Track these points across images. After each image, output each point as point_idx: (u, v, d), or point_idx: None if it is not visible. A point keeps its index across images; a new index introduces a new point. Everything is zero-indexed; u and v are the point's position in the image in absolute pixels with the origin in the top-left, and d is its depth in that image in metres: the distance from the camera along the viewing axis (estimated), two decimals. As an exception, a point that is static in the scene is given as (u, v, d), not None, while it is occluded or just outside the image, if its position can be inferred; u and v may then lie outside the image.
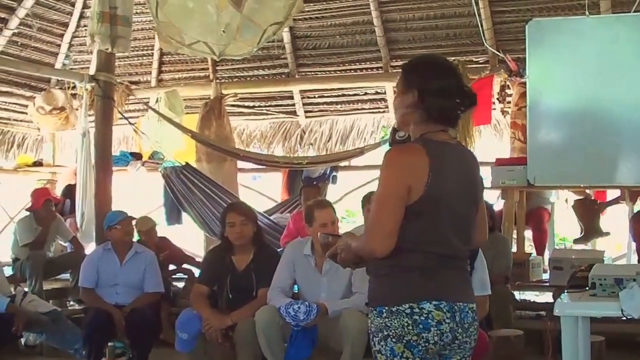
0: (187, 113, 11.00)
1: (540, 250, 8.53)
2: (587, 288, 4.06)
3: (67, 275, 8.82)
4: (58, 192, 10.89)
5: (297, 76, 11.05)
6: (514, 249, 8.00)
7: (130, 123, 9.76)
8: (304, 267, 5.86)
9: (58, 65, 11.61)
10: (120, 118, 9.62)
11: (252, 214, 6.36)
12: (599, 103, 7.87)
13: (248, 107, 11.48)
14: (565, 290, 4.25)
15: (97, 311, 6.74)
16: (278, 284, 5.84)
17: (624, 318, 3.73)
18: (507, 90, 9.56)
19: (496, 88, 9.62)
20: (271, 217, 9.48)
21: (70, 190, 10.07)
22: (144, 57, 11.68)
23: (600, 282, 3.96)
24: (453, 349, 3.01)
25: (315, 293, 5.78)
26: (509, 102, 9.56)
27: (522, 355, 6.29)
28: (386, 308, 2.96)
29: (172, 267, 8.77)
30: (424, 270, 2.98)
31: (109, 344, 6.36)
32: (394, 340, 2.94)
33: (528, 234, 8.77)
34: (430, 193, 2.94)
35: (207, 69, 11.32)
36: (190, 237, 10.81)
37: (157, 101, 10.98)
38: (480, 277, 5.56)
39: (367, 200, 7.57)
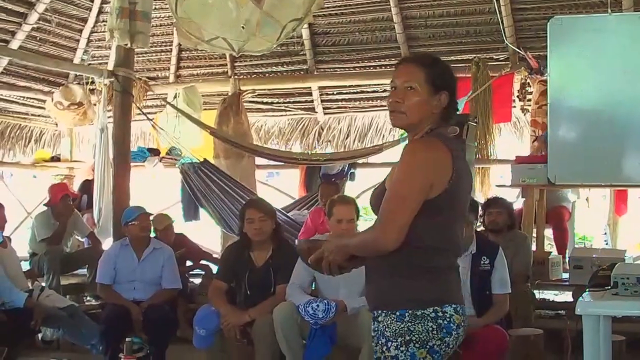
0: (205, 109, 11.02)
1: (560, 249, 8.45)
2: (609, 287, 4.03)
3: (84, 271, 8.82)
4: (75, 187, 10.91)
5: (315, 73, 11.03)
6: (534, 247, 7.94)
7: (148, 119, 9.74)
8: (322, 264, 5.81)
9: (76, 61, 11.63)
10: (139, 114, 9.61)
11: (271, 210, 6.32)
12: (620, 101, 7.77)
13: (266, 103, 11.49)
14: (587, 289, 4.20)
15: (114, 307, 6.74)
16: (297, 281, 5.82)
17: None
18: (527, 88, 9.56)
19: (516, 86, 9.61)
20: (289, 214, 9.46)
21: (87, 186, 10.07)
22: (163, 53, 11.68)
23: (622, 281, 3.93)
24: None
25: (333, 290, 5.74)
26: (529, 100, 9.55)
27: (541, 355, 6.23)
28: (410, 312, 2.88)
29: (189, 263, 8.74)
30: (446, 272, 2.96)
31: (127, 339, 6.27)
32: (417, 345, 2.86)
33: (548, 232, 8.69)
34: (452, 190, 2.90)
35: (226, 65, 11.32)
36: (207, 234, 10.81)
37: (175, 97, 10.98)
38: (501, 275, 5.54)
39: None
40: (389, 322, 2.91)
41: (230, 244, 6.70)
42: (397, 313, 2.89)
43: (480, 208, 7.57)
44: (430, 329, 2.86)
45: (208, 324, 5.89)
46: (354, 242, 3.03)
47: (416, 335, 2.86)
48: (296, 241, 3.51)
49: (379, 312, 2.96)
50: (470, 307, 5.47)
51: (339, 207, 5.69)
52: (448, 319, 2.87)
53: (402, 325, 2.87)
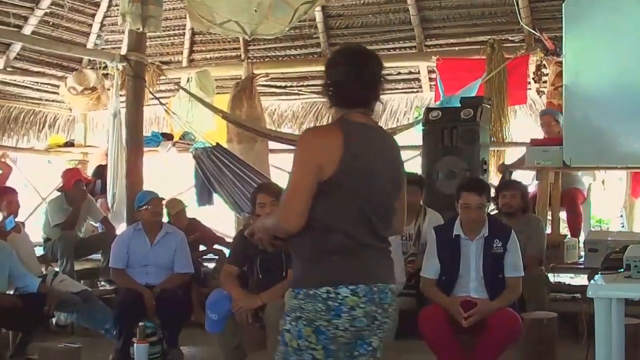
0: (219, 93, 10.97)
1: (574, 232, 8.38)
2: (621, 270, 3.95)
3: (98, 256, 8.81)
4: (89, 172, 10.92)
5: (329, 56, 10.88)
6: (549, 230, 7.88)
7: (161, 103, 9.74)
8: (334, 247, 5.79)
9: (90, 45, 11.63)
10: (152, 98, 9.59)
11: (282, 194, 6.27)
12: (637, 82, 7.68)
13: (280, 87, 11.44)
14: (599, 272, 4.14)
15: (127, 291, 6.73)
16: (308, 264, 5.77)
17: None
18: (543, 70, 9.46)
19: (532, 67, 9.52)
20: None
21: (101, 171, 10.09)
22: (176, 37, 11.66)
23: (635, 263, 3.84)
24: (372, 329, 3.02)
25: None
26: (545, 82, 9.47)
27: (556, 338, 6.18)
28: (304, 290, 2.97)
29: (202, 248, 8.74)
30: (345, 252, 2.98)
31: (140, 323, 6.30)
32: (304, 323, 2.96)
33: (564, 215, 8.61)
34: (345, 169, 2.96)
35: (239, 48, 11.29)
36: (221, 218, 10.79)
37: (188, 81, 10.97)
38: (513, 259, 5.49)
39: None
40: (290, 298, 3.07)
41: (242, 228, 6.66)
42: (295, 291, 3.02)
43: (494, 191, 7.56)
44: (319, 309, 2.93)
45: (220, 308, 5.87)
46: (269, 223, 3.14)
47: (305, 314, 2.95)
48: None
49: (290, 290, 3.15)
50: (483, 290, 5.45)
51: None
52: (340, 301, 2.92)
53: (297, 303, 2.98)
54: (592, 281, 3.95)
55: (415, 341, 5.64)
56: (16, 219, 7.75)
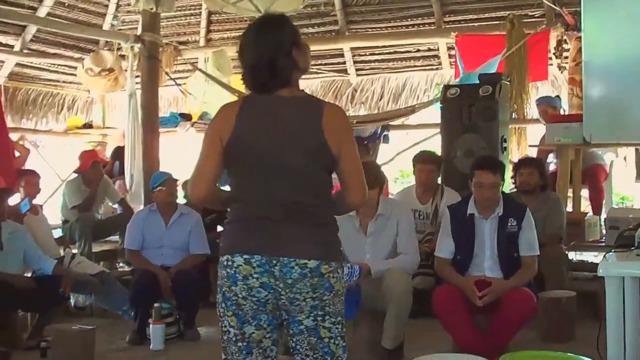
0: (236, 73, 10.90)
1: (596, 210, 8.26)
2: (633, 247, 3.91)
3: (116, 237, 8.82)
4: (108, 153, 10.95)
5: (347, 33, 10.92)
6: (570, 208, 7.77)
7: (176, 83, 9.71)
8: (348, 228, 5.67)
9: (106, 26, 11.61)
10: (168, 79, 9.56)
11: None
12: None
13: (298, 65, 11.33)
14: (612, 250, 4.05)
15: (143, 272, 6.73)
16: (321, 245, 5.72)
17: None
18: (564, 45, 9.31)
19: (552, 43, 9.39)
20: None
21: (119, 152, 10.07)
22: (192, 17, 11.64)
23: None
24: (287, 306, 3.00)
25: (359, 254, 5.65)
26: (566, 58, 9.33)
27: (575, 317, 6.12)
28: (221, 258, 3.07)
29: (220, 229, 8.71)
30: (244, 222, 3.04)
31: (155, 305, 6.35)
32: (218, 290, 3.07)
33: (585, 193, 8.50)
34: (238, 137, 3.01)
35: (256, 27, 11.17)
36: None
37: (205, 61, 10.91)
38: (528, 237, 5.43)
39: (417, 159, 7.46)
40: None
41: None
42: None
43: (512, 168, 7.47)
44: (222, 275, 3.03)
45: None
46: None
47: (219, 280, 3.06)
48: None
49: None
50: (498, 269, 5.39)
51: None
52: (235, 269, 2.97)
53: (219, 271, 3.08)
54: (603, 259, 3.86)
55: (433, 320, 5.62)
56: (34, 201, 7.78)
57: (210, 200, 3.18)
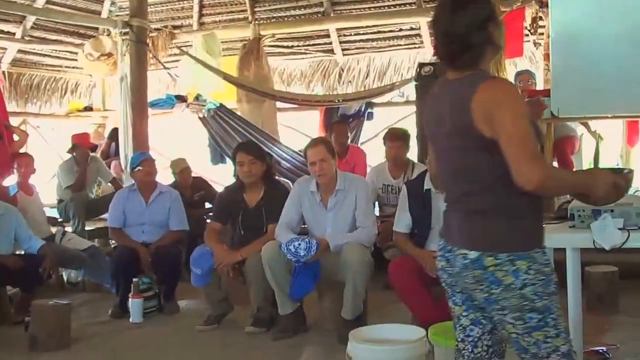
0: (228, 55, 11.17)
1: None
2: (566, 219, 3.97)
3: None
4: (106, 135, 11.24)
5: (332, 15, 11.09)
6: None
7: (165, 67, 9.98)
8: (310, 203, 5.98)
9: (104, 13, 11.86)
10: (154, 63, 9.82)
11: (261, 153, 6.47)
12: (626, 26, 7.45)
13: (287, 47, 11.61)
14: (548, 222, 4.13)
15: (123, 249, 6.98)
16: (285, 219, 5.97)
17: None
18: (539, 22, 9.43)
19: (528, 20, 9.52)
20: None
21: (116, 133, 10.36)
22: (185, 1, 11.83)
23: (578, 213, 3.86)
24: (463, 286, 2.92)
25: (321, 228, 5.90)
26: (541, 34, 9.43)
27: (618, 290, 6.37)
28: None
29: (208, 206, 9.00)
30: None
31: (134, 279, 6.56)
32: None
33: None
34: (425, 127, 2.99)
35: (246, 10, 11.43)
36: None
37: (196, 45, 11.16)
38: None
39: (386, 136, 7.65)
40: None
41: (226, 187, 6.86)
42: None
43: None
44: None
45: (203, 263, 6.12)
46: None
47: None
48: None
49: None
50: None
51: (310, 150, 5.88)
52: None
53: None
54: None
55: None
56: (30, 182, 8.12)
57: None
